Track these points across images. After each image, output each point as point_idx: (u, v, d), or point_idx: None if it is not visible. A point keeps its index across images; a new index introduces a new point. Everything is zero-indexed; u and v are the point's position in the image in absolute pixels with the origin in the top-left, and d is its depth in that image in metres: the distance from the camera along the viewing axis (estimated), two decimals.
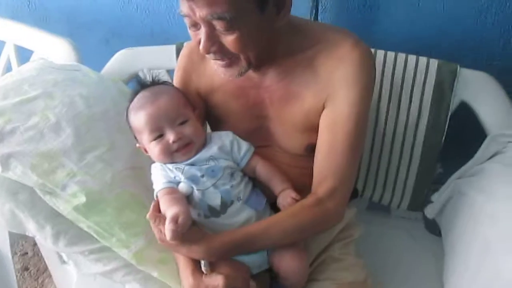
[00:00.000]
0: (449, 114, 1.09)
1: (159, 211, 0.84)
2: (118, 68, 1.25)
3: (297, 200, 0.85)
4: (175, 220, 0.75)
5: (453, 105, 1.09)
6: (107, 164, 1.01)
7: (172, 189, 0.85)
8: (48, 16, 1.56)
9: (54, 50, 1.30)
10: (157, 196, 0.87)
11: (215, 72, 0.93)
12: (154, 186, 0.89)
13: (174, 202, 0.81)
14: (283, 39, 0.83)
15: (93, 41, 1.54)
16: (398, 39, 1.26)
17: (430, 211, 1.12)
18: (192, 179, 0.84)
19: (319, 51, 0.84)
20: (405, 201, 1.20)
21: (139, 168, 1.06)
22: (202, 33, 0.76)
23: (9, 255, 1.16)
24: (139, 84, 0.93)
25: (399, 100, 1.11)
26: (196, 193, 0.83)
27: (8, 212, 0.98)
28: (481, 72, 1.08)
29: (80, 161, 0.99)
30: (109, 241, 0.98)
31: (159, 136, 0.86)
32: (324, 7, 1.28)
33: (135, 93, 0.91)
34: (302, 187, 0.93)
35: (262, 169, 0.90)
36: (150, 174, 1.06)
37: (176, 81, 1.00)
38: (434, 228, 1.18)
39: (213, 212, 0.83)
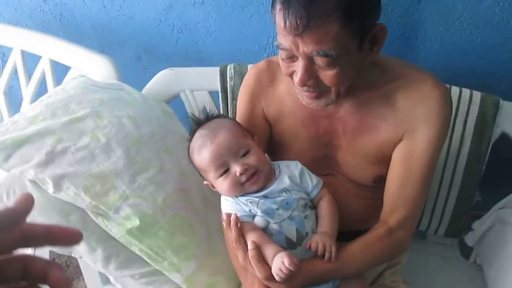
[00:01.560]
0: (490, 144, 1.12)
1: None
2: (160, 88, 1.26)
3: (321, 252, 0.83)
4: (292, 260, 0.75)
5: (494, 136, 1.12)
6: (158, 186, 1.02)
7: (252, 224, 0.85)
8: (79, 31, 1.55)
9: (93, 67, 1.30)
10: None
11: (284, 97, 0.94)
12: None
13: (269, 240, 0.82)
14: (362, 73, 0.84)
15: (125, 57, 1.54)
16: (432, 68, 1.29)
17: (470, 239, 1.15)
18: (268, 212, 0.84)
19: (398, 87, 0.86)
20: (442, 227, 1.22)
21: (187, 190, 1.06)
22: (299, 66, 0.77)
23: None
24: (195, 123, 0.93)
25: None
26: (273, 226, 0.84)
27: None
28: None
29: (132, 183, 0.99)
30: (161, 265, 0.98)
31: (225, 171, 0.86)
32: None
33: (193, 132, 0.91)
34: (365, 218, 0.97)
35: (323, 203, 0.90)
36: (197, 196, 1.08)
37: (242, 101, 1.00)
38: (469, 255, 1.21)
39: (290, 244, 0.83)
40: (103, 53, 1.35)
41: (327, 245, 0.82)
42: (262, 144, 0.97)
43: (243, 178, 0.84)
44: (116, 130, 1.05)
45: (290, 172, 0.90)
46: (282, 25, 0.73)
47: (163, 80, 1.27)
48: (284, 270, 0.75)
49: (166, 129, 1.15)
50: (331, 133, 0.93)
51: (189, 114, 0.97)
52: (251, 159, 0.86)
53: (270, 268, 0.78)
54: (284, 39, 0.75)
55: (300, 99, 0.86)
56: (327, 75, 0.77)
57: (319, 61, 0.75)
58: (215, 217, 1.05)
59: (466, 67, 1.28)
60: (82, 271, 1.15)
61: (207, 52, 1.45)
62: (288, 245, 0.83)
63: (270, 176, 0.89)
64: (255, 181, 0.85)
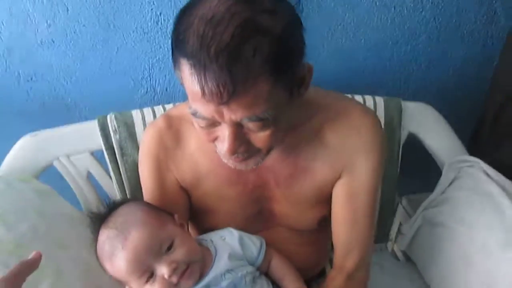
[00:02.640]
0: (401, 147, 1.13)
1: None
2: (23, 163, 0.97)
3: None
4: None
5: (403, 138, 1.12)
6: None
7: None
8: None
9: None
10: None
11: (197, 156, 0.80)
12: None
13: None
14: None
15: None
16: (324, 76, 1.25)
17: (402, 243, 1.15)
18: None
19: (324, 120, 0.78)
20: None
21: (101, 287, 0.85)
22: (226, 133, 0.62)
23: None
24: (96, 220, 0.74)
25: None
26: None
27: None
28: (421, 103, 1.13)
29: None
30: None
31: (151, 275, 0.69)
32: None
33: (96, 232, 0.72)
34: (312, 266, 0.90)
35: (276, 264, 0.79)
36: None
37: (146, 173, 0.82)
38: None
39: None
40: None
41: None
42: (186, 219, 0.81)
43: (174, 279, 0.68)
44: None
45: (227, 245, 0.77)
46: (200, 93, 0.57)
47: (25, 150, 0.98)
48: None
49: (49, 215, 0.91)
50: (262, 186, 0.82)
51: (87, 213, 0.75)
52: (179, 253, 0.70)
53: None
54: (203, 108, 0.60)
55: (225, 161, 0.71)
56: (260, 138, 0.65)
57: (250, 125, 0.62)
58: None
59: (355, 70, 1.27)
60: None
61: (70, 99, 1.19)
62: None
63: (206, 259, 0.74)
64: (188, 275, 0.70)
